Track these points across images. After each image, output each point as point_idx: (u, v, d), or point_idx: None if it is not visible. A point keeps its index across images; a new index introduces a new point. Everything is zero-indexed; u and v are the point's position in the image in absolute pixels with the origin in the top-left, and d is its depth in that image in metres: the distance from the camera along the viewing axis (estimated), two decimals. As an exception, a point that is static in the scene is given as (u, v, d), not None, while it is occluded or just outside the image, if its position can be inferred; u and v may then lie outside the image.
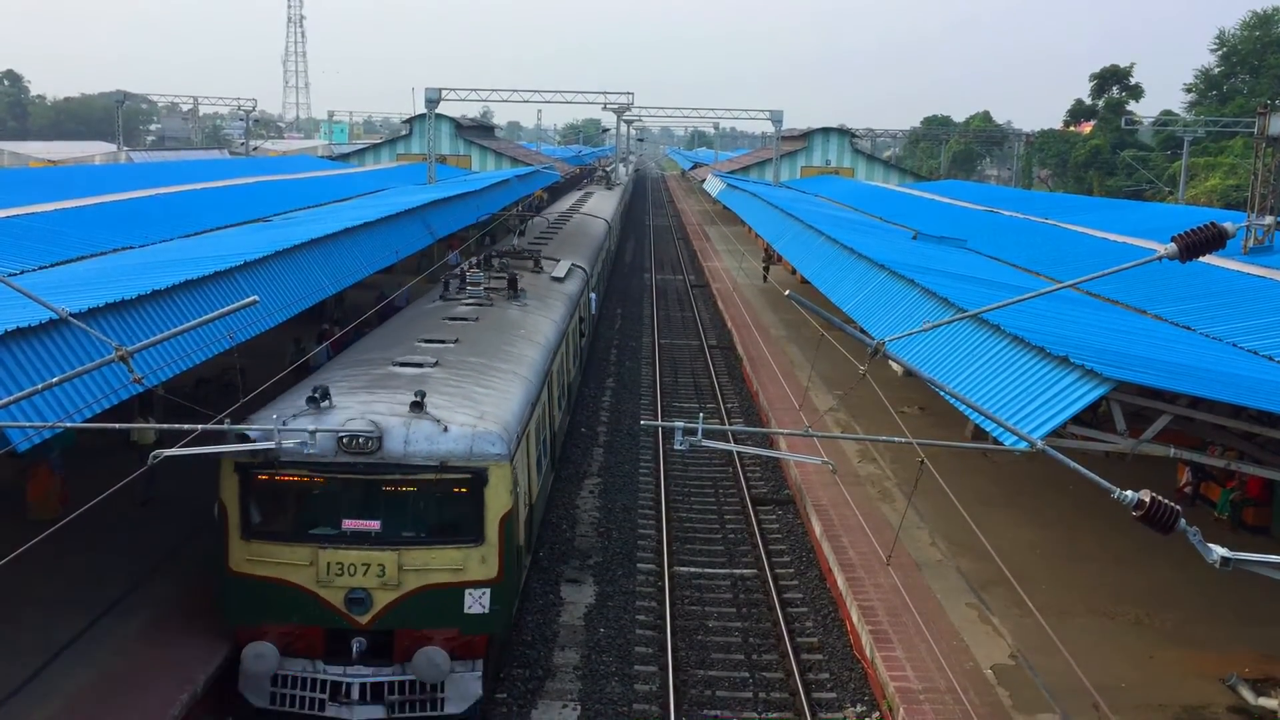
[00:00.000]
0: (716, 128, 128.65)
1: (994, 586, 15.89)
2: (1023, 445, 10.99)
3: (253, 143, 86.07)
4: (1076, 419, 12.65)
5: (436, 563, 12.30)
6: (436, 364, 14.75)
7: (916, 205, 49.95)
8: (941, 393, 9.63)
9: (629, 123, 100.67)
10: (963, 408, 13.78)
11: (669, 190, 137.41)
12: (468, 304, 19.95)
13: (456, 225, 36.63)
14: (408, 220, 29.75)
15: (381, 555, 12.21)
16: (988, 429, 14.15)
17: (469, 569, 12.34)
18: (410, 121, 79.52)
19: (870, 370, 10.87)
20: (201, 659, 12.70)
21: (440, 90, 52.14)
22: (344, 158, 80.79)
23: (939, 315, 18.11)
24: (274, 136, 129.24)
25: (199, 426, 10.16)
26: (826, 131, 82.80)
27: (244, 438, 11.97)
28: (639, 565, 18.02)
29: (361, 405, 12.66)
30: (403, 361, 14.81)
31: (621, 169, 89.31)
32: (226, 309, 8.82)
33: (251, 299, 9.06)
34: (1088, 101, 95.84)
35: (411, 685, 12.33)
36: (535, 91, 60.26)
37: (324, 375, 14.26)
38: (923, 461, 16.00)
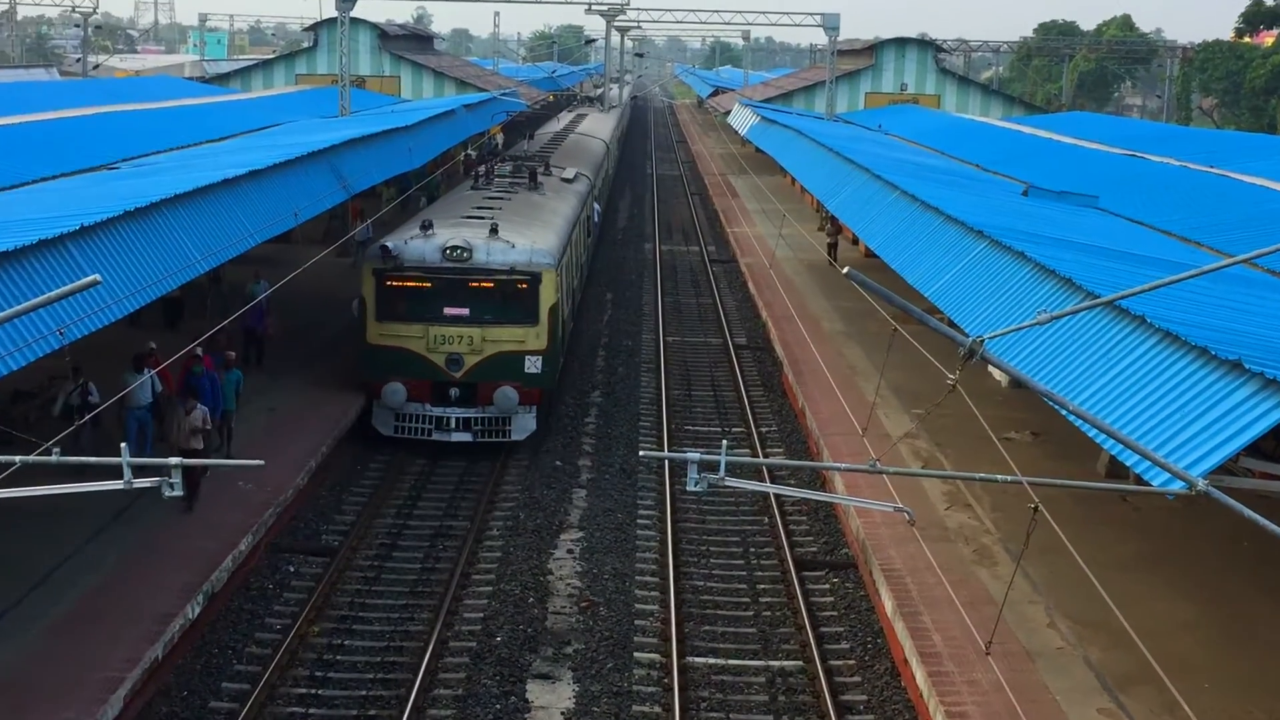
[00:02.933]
0: (747, 38, 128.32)
1: (1137, 685, 15.92)
2: (1178, 485, 11.03)
3: (94, 59, 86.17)
4: (1252, 449, 12.72)
5: (506, 336, 25.73)
6: (496, 215, 28.20)
7: (1028, 147, 50.11)
8: (1063, 412, 9.77)
9: (624, 30, 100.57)
10: (1093, 433, 13.82)
11: (680, 125, 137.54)
12: (497, 191, 33.10)
13: (380, 174, 36.88)
14: (312, 167, 29.97)
15: (470, 330, 25.68)
16: (1128, 463, 14.19)
17: (528, 341, 25.81)
18: (315, 29, 79.82)
19: (963, 380, 10.91)
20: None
21: (359, -17, 52.05)
22: (222, 80, 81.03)
23: (1059, 302, 18.29)
24: (124, 50, 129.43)
25: (15, 459, 10.20)
26: (901, 44, 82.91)
27: (385, 249, 25.55)
28: (637, 655, 18.11)
29: (453, 232, 26.40)
30: (470, 215, 28.69)
31: (615, 93, 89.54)
32: (55, 293, 8.85)
33: (92, 278, 9.08)
34: (1270, 1, 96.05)
35: (489, 420, 25.84)
36: None
37: (420, 217, 28.08)
38: (1036, 508, 16.01)
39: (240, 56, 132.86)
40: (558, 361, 27.82)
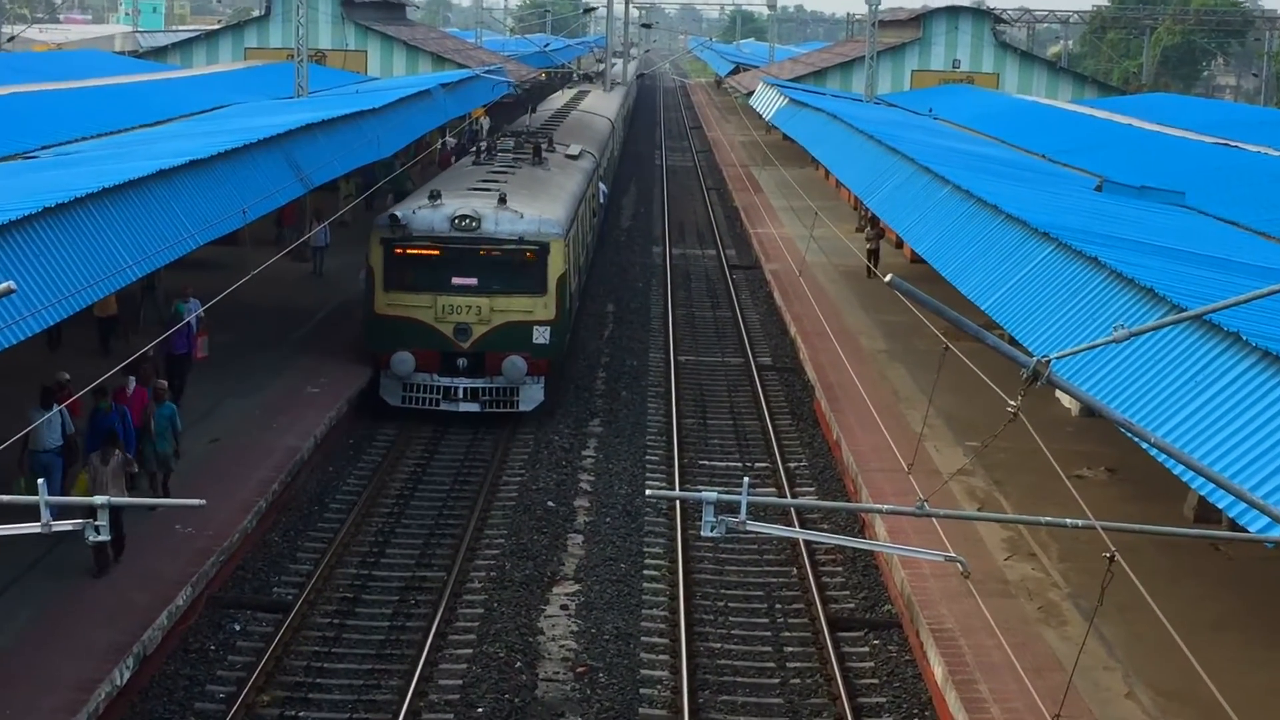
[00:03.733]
0: (773, 6, 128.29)
1: (1231, 766, 15.82)
2: (1278, 532, 10.98)
3: (8, 30, 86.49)
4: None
5: (514, 306, 29.35)
6: (503, 186, 32.14)
7: (1102, 135, 50.30)
8: (1143, 444, 9.81)
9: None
10: (1179, 470, 13.81)
11: (694, 107, 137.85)
12: (501, 166, 36.71)
13: (343, 165, 37.10)
14: (263, 157, 30.09)
15: (478, 300, 29.29)
16: (1220, 505, 14.18)
17: (536, 311, 29.45)
18: (268, -6, 79.91)
19: (1026, 408, 10.86)
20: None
21: (318, -57, 52.28)
22: (159, 54, 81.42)
23: (1138, 317, 18.46)
24: (43, 20, 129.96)
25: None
26: (954, 13, 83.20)
27: (394, 218, 29.18)
28: (643, 728, 18.07)
29: (462, 202, 30.16)
30: (476, 186, 32.41)
31: (619, 70, 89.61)
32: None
33: (4, 286, 9.11)
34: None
35: (497, 390, 29.57)
36: None
37: (428, 187, 31.89)
38: (1112, 558, 15.94)
39: (180, 27, 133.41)
40: (566, 332, 31.96)
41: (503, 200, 30.17)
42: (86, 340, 30.00)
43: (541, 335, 29.55)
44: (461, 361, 29.52)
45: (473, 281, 29.39)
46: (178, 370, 28.24)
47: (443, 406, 29.56)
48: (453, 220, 29.45)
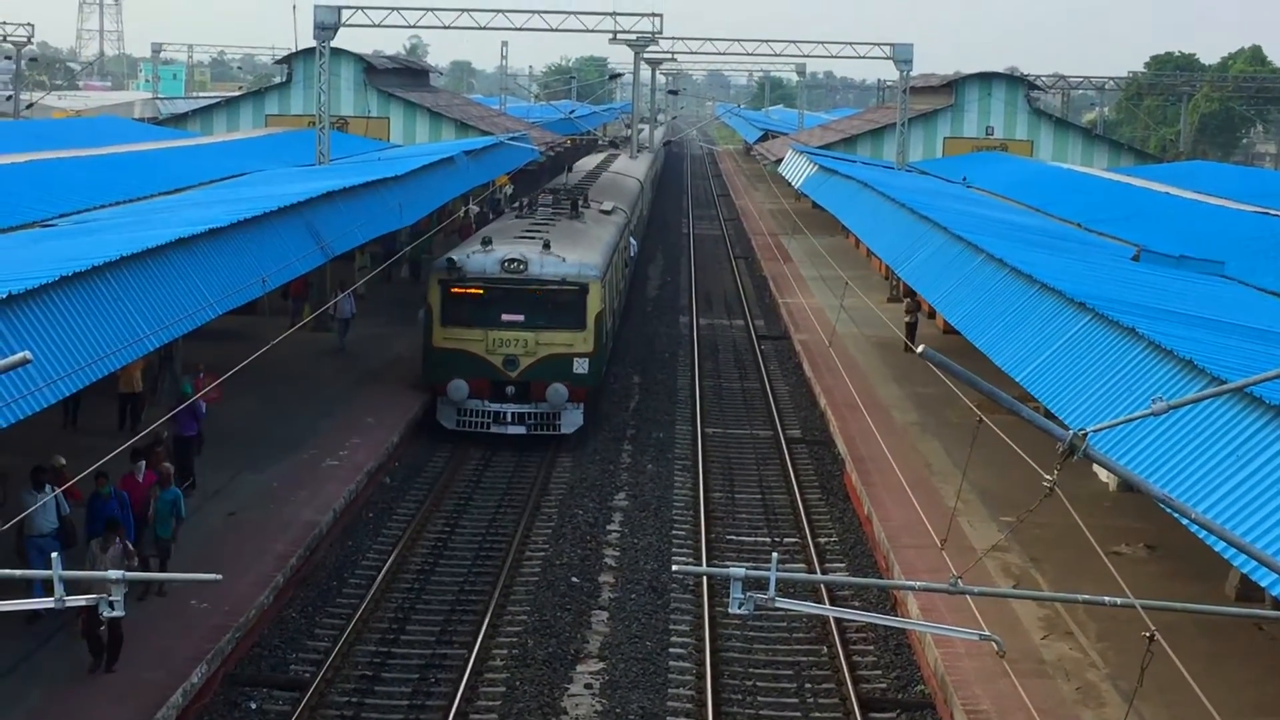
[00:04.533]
0: (802, 73, 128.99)
1: None
2: (1324, 611, 10.93)
3: (27, 96, 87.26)
4: None
5: (557, 340, 33.69)
6: (546, 234, 36.55)
7: (1139, 203, 50.26)
8: (1184, 520, 9.87)
9: (655, 64, 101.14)
10: (1221, 547, 13.70)
11: (723, 175, 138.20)
12: (542, 218, 41.61)
13: (365, 233, 37.36)
14: (283, 225, 30.25)
15: (525, 334, 33.60)
16: (1263, 583, 14.06)
17: (575, 345, 33.75)
18: (289, 61, 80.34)
19: (1062, 482, 10.91)
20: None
21: (339, 8, 51.77)
22: (179, 121, 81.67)
23: (1178, 389, 18.43)
24: (63, 86, 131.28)
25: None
26: (986, 80, 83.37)
27: (451, 261, 33.87)
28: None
29: (511, 247, 34.74)
30: (522, 235, 37.24)
31: (645, 135, 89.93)
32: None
33: (21, 356, 9.12)
34: None
35: (541, 415, 33.81)
36: (498, 11, 57.28)
37: (479, 235, 36.83)
38: (1152, 637, 15.84)
39: (200, 94, 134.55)
40: (602, 364, 37.03)
41: (547, 246, 34.87)
42: (103, 417, 30.04)
43: (581, 366, 33.94)
44: (510, 389, 33.95)
45: (520, 318, 33.94)
46: (185, 453, 27.84)
47: (492, 429, 33.92)
48: (502, 263, 34.07)
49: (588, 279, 34.42)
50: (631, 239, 52.26)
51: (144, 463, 23.62)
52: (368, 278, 40.14)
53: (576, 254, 35.47)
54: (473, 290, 34.00)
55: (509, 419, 33.91)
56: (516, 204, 47.79)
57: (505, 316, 33.88)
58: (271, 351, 25.46)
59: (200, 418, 28.31)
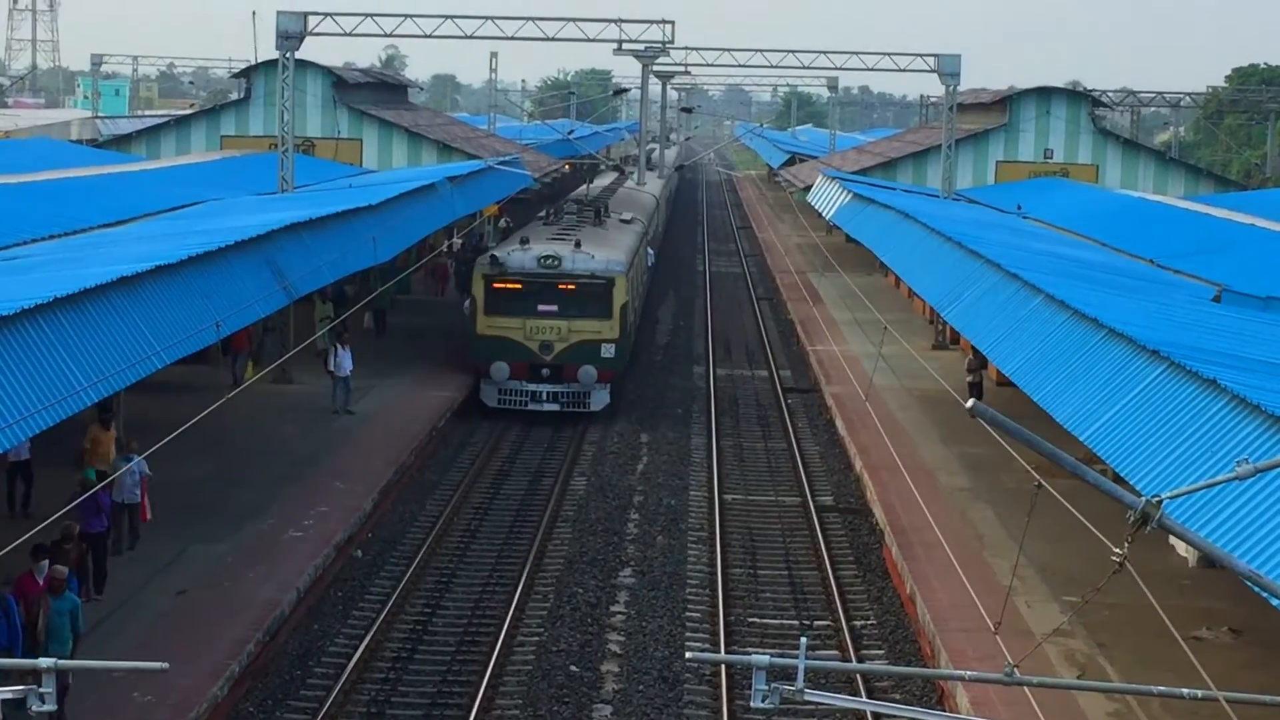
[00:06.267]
0: (834, 88, 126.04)
1: None
2: None
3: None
4: None
5: (587, 328, 43.22)
6: (577, 234, 46.53)
7: (1221, 236, 50.19)
8: (1273, 601, 10.37)
9: (666, 78, 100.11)
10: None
11: (742, 204, 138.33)
12: (567, 224, 49.96)
13: (334, 271, 37.71)
14: (240, 261, 30.25)
15: (558, 323, 43.08)
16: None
17: (603, 332, 43.31)
18: (247, 75, 79.79)
19: (1134, 556, 10.90)
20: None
21: (306, 15, 50.82)
22: (122, 143, 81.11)
23: (1266, 450, 18.42)
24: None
25: None
26: (1045, 95, 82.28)
27: (494, 258, 43.57)
28: None
29: (546, 245, 44.81)
30: (554, 236, 46.86)
31: (656, 155, 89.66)
32: None
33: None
34: None
35: (573, 394, 43.20)
36: (486, 18, 56.41)
37: (518, 235, 49.26)
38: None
39: (146, 112, 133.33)
40: (627, 349, 45.43)
41: (578, 244, 43.73)
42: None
43: (608, 350, 42.28)
44: (545, 371, 42.31)
45: (554, 308, 42.28)
46: (94, 552, 25.15)
47: (530, 407, 42.18)
48: (539, 260, 42.48)
49: (614, 273, 42.88)
50: (649, 249, 61.68)
51: (47, 561, 21.25)
52: (329, 328, 39.00)
53: (604, 252, 44.09)
54: (513, 284, 42.31)
55: (544, 398, 42.24)
56: (543, 212, 56.81)
57: (541, 307, 42.12)
58: (227, 406, 24.89)
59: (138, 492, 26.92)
